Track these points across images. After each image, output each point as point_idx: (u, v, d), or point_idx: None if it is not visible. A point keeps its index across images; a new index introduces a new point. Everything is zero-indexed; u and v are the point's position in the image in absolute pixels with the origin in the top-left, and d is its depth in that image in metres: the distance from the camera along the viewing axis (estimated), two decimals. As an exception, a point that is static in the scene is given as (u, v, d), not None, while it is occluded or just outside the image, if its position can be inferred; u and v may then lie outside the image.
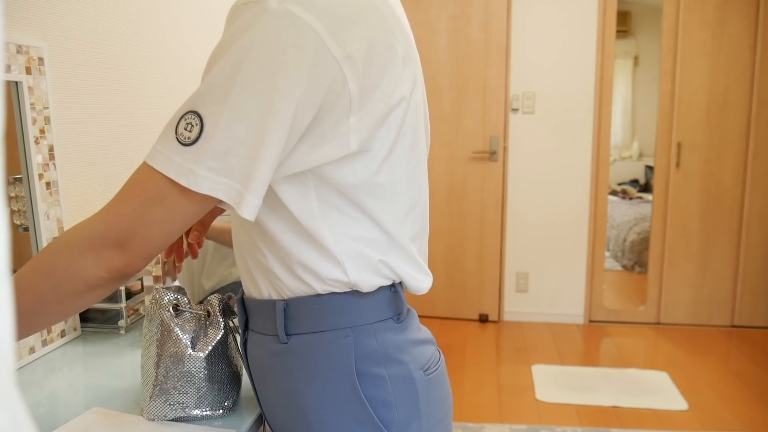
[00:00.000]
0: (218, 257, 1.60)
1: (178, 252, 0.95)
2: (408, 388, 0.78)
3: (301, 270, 0.77)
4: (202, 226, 0.97)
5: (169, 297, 0.89)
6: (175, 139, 0.66)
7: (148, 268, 1.24)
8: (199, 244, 0.97)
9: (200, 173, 0.65)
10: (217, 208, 0.98)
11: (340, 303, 0.77)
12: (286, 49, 0.65)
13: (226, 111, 0.65)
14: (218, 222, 1.20)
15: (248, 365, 0.88)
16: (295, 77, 0.66)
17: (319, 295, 0.78)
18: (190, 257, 1.14)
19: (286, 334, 0.79)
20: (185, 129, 0.66)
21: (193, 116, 0.66)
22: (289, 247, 0.76)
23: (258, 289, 0.82)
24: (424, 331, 0.86)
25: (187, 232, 0.97)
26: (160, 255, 0.97)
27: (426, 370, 0.81)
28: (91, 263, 0.67)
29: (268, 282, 0.80)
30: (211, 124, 0.65)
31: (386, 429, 0.77)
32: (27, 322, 0.69)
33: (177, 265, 0.95)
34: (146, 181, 0.67)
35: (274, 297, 0.80)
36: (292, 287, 0.78)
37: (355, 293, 0.78)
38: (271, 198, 0.74)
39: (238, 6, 0.70)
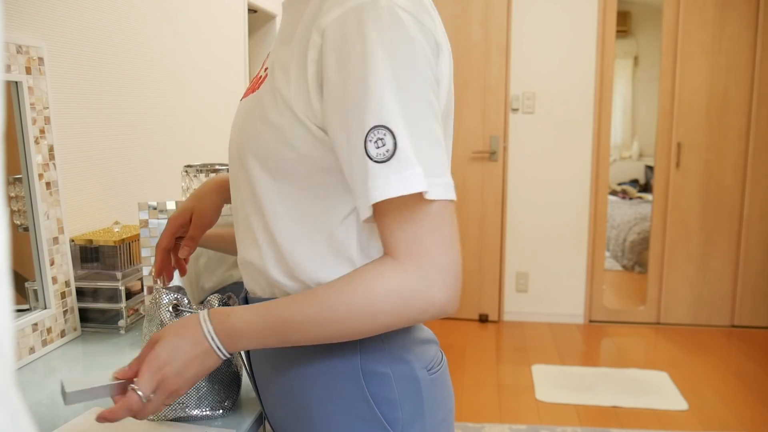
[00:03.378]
0: (219, 258, 1.60)
1: (167, 271, 0.96)
2: (412, 387, 0.78)
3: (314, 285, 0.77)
4: (192, 241, 0.97)
5: (169, 297, 0.89)
6: (376, 162, 0.65)
7: (146, 272, 1.24)
8: (186, 259, 0.98)
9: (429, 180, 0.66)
10: (206, 225, 0.99)
11: None
12: (414, 41, 0.68)
13: (404, 114, 0.66)
14: (211, 229, 1.19)
15: (250, 365, 0.88)
16: (428, 68, 0.69)
17: None
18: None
19: None
20: (377, 147, 0.65)
21: (377, 131, 0.65)
22: (312, 267, 0.76)
23: (261, 288, 0.82)
24: (427, 331, 0.86)
25: (177, 249, 0.98)
26: (152, 269, 0.98)
27: (429, 370, 0.81)
28: (443, 303, 0.69)
29: (277, 289, 0.80)
30: (401, 130, 0.65)
31: (390, 427, 0.77)
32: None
33: (167, 283, 0.96)
34: (426, 212, 0.67)
35: (278, 295, 0.80)
36: (298, 290, 0.78)
37: None
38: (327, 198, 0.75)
39: (348, 14, 0.68)
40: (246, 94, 0.86)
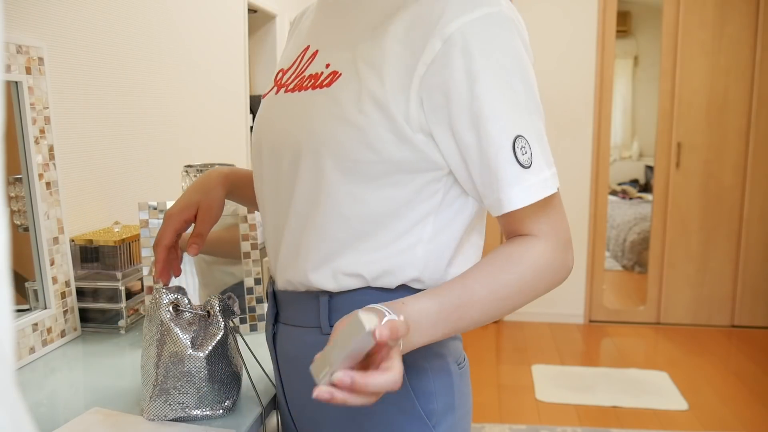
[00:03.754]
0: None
1: (165, 277, 0.95)
2: (446, 380, 0.81)
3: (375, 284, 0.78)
4: (200, 237, 0.94)
5: (169, 297, 0.89)
6: (524, 169, 0.72)
7: (146, 272, 1.24)
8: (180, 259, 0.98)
9: (551, 171, 0.75)
10: (213, 221, 0.97)
11: (387, 297, 0.75)
12: (529, 50, 0.75)
13: (531, 120, 0.73)
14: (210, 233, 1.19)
15: (276, 359, 0.88)
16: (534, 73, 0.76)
17: (368, 288, 0.77)
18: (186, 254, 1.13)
19: (331, 326, 0.78)
20: (522, 155, 0.72)
21: (520, 141, 0.72)
22: (376, 263, 0.77)
23: (293, 285, 0.81)
24: None
25: (176, 247, 0.96)
26: (153, 269, 0.97)
27: (459, 364, 0.84)
28: (571, 267, 0.80)
29: (314, 286, 0.79)
30: (532, 136, 0.73)
31: (427, 419, 0.79)
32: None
33: (166, 284, 0.95)
34: (549, 206, 0.77)
35: (314, 290, 0.79)
36: (351, 285, 0.78)
37: (404, 288, 0.77)
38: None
39: (480, 22, 0.70)
40: (287, 89, 0.82)
